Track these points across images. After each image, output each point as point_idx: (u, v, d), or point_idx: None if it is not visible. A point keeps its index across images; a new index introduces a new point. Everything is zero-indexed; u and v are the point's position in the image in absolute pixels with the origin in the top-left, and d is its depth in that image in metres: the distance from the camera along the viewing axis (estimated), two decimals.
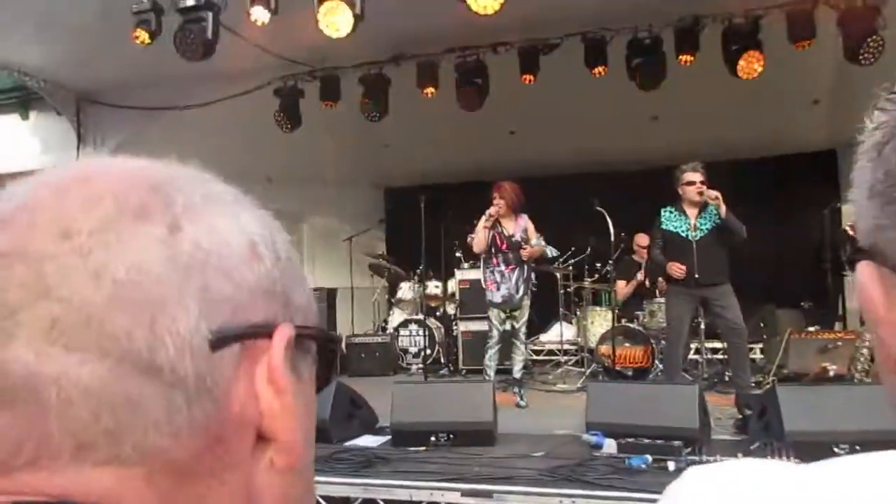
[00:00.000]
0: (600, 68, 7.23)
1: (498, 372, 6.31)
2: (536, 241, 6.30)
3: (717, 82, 7.18)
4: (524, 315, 6.18)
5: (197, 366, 0.38)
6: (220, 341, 0.39)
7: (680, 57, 7.00)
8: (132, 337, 0.37)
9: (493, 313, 6.20)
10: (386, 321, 9.15)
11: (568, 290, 8.22)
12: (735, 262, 6.03)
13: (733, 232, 5.79)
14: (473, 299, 8.10)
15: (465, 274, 8.41)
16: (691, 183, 5.91)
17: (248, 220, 0.44)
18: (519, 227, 6.25)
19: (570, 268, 8.14)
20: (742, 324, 5.85)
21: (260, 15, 5.80)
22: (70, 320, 0.36)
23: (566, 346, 8.28)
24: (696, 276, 5.78)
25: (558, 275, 8.23)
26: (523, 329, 6.21)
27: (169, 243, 0.39)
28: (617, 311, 7.27)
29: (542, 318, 8.71)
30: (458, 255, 8.51)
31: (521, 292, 6.11)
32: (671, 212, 6.09)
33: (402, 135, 9.52)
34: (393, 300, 9.10)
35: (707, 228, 5.91)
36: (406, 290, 8.72)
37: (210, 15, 5.84)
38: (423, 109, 8.17)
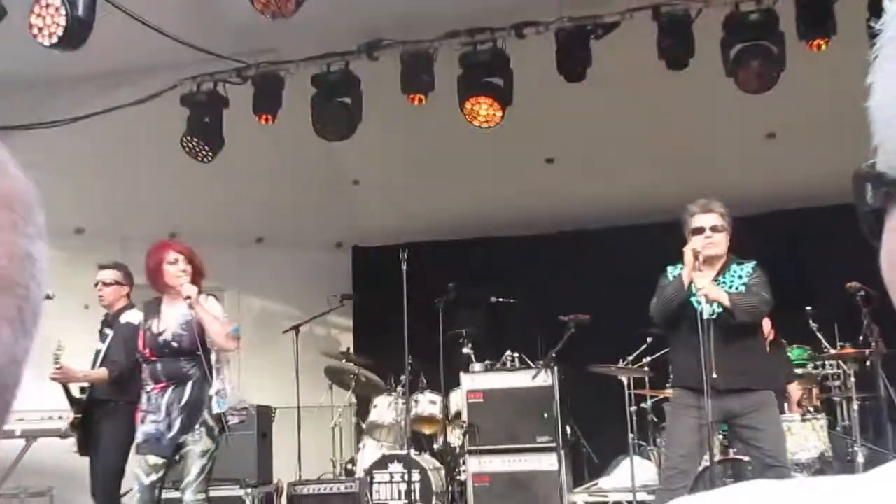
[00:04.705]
0: None
1: None
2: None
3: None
4: (191, 465, 4.44)
5: None
6: None
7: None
8: None
9: (137, 459, 4.62)
10: (353, 459, 7.19)
11: (643, 405, 5.94)
12: None
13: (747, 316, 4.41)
14: (491, 420, 6.32)
15: (477, 381, 6.38)
16: (699, 230, 4.50)
17: None
18: (181, 314, 4.51)
19: (644, 366, 5.89)
20: (784, 459, 4.46)
21: None
22: None
23: (642, 496, 5.91)
24: (714, 376, 4.21)
25: (624, 379, 5.84)
26: (192, 489, 4.43)
27: None
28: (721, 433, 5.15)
29: (600, 454, 6.85)
30: (465, 350, 6.60)
31: (176, 429, 4.46)
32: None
33: (378, 166, 7.76)
34: (364, 425, 7.13)
35: None
36: (384, 408, 6.71)
37: None
38: (411, 127, 6.77)
